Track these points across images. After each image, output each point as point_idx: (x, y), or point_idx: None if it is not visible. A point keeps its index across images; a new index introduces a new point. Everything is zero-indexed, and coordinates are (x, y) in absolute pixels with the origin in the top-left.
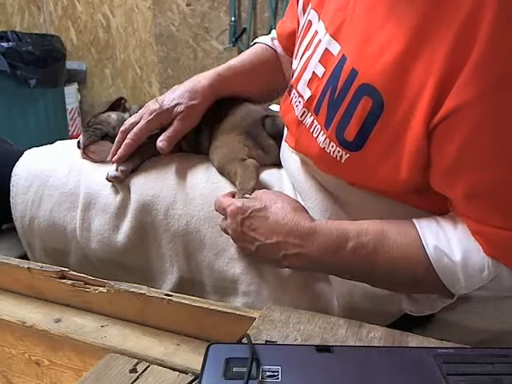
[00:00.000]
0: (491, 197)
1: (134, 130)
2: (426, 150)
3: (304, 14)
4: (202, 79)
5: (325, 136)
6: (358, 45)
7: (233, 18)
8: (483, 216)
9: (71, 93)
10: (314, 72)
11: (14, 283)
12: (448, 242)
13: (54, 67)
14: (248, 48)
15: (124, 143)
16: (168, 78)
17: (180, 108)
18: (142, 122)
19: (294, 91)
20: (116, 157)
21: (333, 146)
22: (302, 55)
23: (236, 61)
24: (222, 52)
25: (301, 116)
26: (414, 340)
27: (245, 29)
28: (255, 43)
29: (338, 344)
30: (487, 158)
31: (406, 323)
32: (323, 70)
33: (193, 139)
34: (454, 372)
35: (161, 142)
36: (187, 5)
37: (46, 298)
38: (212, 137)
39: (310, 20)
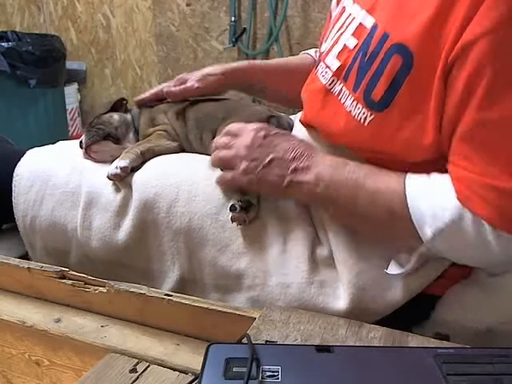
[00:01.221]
0: (486, 141)
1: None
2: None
3: (337, 6)
4: (235, 63)
5: (352, 99)
6: (391, 12)
7: (233, 18)
8: (471, 161)
9: (71, 93)
10: (345, 44)
11: (13, 283)
12: (428, 182)
13: (54, 67)
14: (248, 48)
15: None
16: (168, 78)
17: (197, 74)
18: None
19: (321, 64)
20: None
21: (359, 108)
22: (334, 36)
23: (275, 59)
24: (222, 52)
25: (329, 84)
26: (413, 340)
27: (245, 29)
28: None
29: (338, 344)
30: (490, 94)
31: (404, 320)
32: (355, 41)
33: (196, 139)
34: (454, 372)
35: (166, 88)
36: (187, 5)
37: (46, 297)
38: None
39: (344, 6)
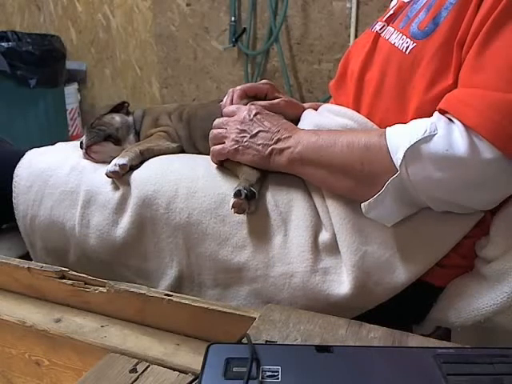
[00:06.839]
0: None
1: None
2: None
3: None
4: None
5: (398, 33)
6: None
7: (233, 18)
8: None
9: (71, 93)
10: (402, 1)
11: (13, 283)
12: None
13: (54, 67)
14: (248, 48)
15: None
16: (168, 78)
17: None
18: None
19: (376, 24)
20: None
21: (403, 39)
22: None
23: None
24: (221, 52)
25: (379, 29)
26: (413, 340)
27: (245, 29)
28: None
29: (338, 344)
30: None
31: (406, 311)
32: None
33: (200, 138)
34: (454, 372)
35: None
36: (187, 5)
37: (46, 297)
38: None
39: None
